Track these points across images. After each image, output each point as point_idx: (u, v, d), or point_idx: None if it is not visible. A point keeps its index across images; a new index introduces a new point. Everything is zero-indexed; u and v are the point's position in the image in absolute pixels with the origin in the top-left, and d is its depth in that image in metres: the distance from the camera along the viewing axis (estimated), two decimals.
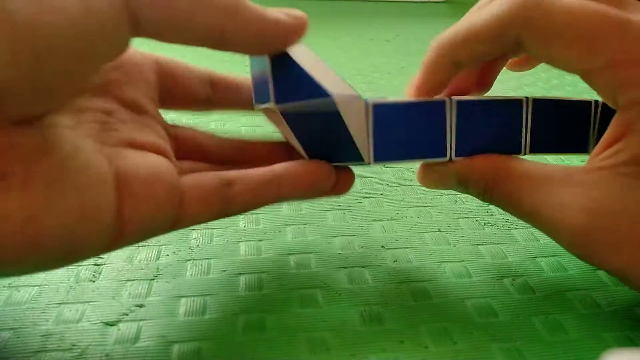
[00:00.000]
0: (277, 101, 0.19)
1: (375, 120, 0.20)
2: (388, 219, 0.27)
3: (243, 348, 0.19)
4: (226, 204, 0.19)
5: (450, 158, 0.21)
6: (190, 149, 0.22)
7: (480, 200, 0.21)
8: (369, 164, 0.20)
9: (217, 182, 0.19)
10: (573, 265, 0.24)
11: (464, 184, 0.21)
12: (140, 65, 0.20)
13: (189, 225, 0.19)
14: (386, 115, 0.20)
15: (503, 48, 0.19)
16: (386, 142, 0.20)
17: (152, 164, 0.17)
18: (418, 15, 0.93)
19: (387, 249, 0.25)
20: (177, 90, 0.21)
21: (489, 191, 0.20)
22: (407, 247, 0.25)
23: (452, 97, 0.20)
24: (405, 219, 0.28)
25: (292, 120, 0.20)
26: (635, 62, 0.17)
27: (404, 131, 0.20)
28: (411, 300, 0.21)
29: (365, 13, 0.93)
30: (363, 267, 0.23)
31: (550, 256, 0.25)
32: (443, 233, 0.26)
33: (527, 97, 0.21)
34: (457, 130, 0.20)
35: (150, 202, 0.17)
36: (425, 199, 0.30)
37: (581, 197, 0.18)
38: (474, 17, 0.19)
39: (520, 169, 0.20)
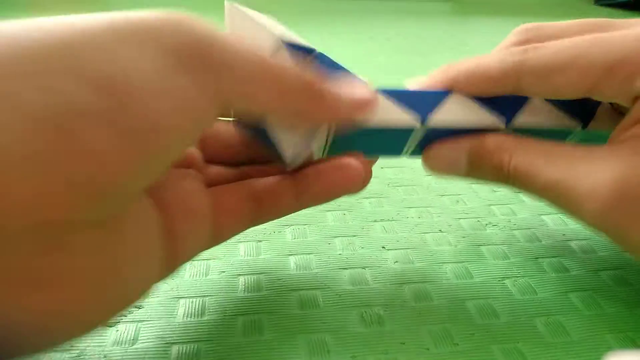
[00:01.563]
0: None
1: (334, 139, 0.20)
2: (389, 220, 0.27)
3: (242, 349, 0.18)
4: (258, 218, 0.20)
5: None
6: (214, 146, 0.21)
7: (491, 179, 0.20)
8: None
9: (248, 197, 0.19)
10: (575, 266, 0.24)
11: (477, 162, 0.20)
12: None
13: (229, 238, 0.19)
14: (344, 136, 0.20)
15: (504, 89, 0.19)
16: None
17: (188, 192, 0.18)
18: (419, 13, 0.93)
19: (388, 249, 0.25)
20: None
21: (505, 166, 0.19)
22: (408, 248, 0.25)
23: (425, 120, 0.19)
24: (406, 219, 0.27)
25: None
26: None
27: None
28: (412, 302, 0.21)
29: (365, 11, 0.93)
30: (363, 268, 0.23)
31: (552, 257, 0.24)
32: (444, 233, 0.26)
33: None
34: (420, 144, 0.21)
35: (191, 238, 0.17)
36: (426, 199, 0.30)
37: (607, 168, 0.17)
38: (483, 58, 0.19)
39: (539, 144, 0.19)
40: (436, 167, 0.21)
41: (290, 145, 0.18)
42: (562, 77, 0.18)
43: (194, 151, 0.20)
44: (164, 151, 0.14)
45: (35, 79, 0.11)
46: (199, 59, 0.14)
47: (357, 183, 0.19)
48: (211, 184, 0.20)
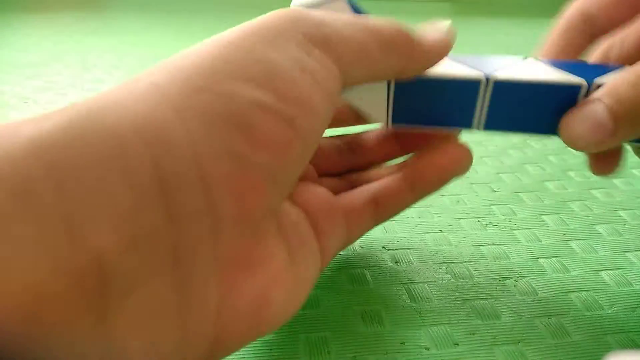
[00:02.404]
0: None
1: (396, 93, 0.20)
2: (389, 220, 0.27)
3: (242, 350, 0.18)
4: (379, 219, 0.21)
5: (478, 129, 0.20)
6: (316, 159, 0.22)
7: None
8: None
9: (369, 199, 0.20)
10: (576, 266, 0.24)
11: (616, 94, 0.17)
12: None
13: (355, 240, 0.21)
14: (408, 89, 0.19)
15: None
16: (407, 110, 0.20)
17: (322, 196, 0.19)
18: (419, 14, 0.93)
19: (388, 249, 0.25)
20: None
21: None
22: (408, 248, 0.25)
23: (490, 75, 0.18)
24: (407, 219, 0.27)
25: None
26: None
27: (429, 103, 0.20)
28: (412, 302, 0.21)
29: (366, 12, 0.93)
30: (364, 267, 0.23)
31: (553, 257, 0.24)
32: (444, 234, 0.26)
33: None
34: (490, 108, 0.19)
35: (334, 236, 0.18)
36: (426, 199, 0.30)
37: None
38: None
39: None
40: (579, 131, 0.17)
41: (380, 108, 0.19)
42: None
43: (307, 165, 0.20)
44: (315, 133, 0.15)
45: (214, 86, 0.13)
46: (321, 43, 0.15)
47: (466, 163, 0.20)
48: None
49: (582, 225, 0.27)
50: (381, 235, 0.26)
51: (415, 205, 0.29)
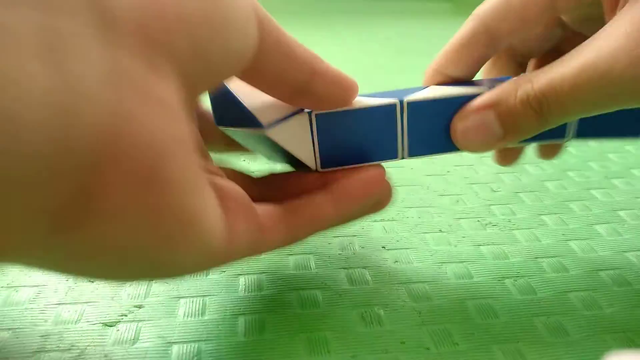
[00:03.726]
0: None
1: (318, 129, 0.19)
2: (389, 220, 0.27)
3: (243, 349, 0.19)
4: (293, 234, 0.19)
5: (403, 157, 0.20)
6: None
7: (528, 121, 0.18)
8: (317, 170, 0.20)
9: (282, 210, 0.19)
10: (575, 266, 0.24)
11: (505, 110, 0.19)
12: None
13: (266, 252, 0.19)
14: (329, 123, 0.19)
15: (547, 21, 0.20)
16: (332, 148, 0.20)
17: (236, 186, 0.17)
18: (419, 13, 0.93)
19: (388, 249, 0.25)
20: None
21: (531, 93, 0.18)
22: (408, 248, 0.25)
23: (403, 99, 0.20)
24: (406, 219, 0.27)
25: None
26: None
27: (351, 137, 0.20)
28: (412, 301, 0.21)
29: (366, 11, 0.93)
30: (364, 267, 0.23)
31: (552, 257, 0.24)
32: (444, 233, 0.26)
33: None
34: (409, 132, 0.20)
35: (243, 221, 0.17)
36: (426, 199, 0.30)
37: (615, 34, 0.17)
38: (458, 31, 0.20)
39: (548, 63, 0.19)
40: (471, 140, 0.20)
41: (306, 148, 0.19)
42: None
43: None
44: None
45: None
46: None
47: (381, 185, 0.20)
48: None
49: (581, 225, 0.27)
50: (381, 235, 0.26)
51: (415, 205, 0.29)
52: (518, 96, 0.18)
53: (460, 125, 0.19)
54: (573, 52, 0.18)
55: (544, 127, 0.19)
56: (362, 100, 0.19)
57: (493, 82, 0.20)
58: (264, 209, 0.18)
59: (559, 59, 0.18)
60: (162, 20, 0.12)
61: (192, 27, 0.13)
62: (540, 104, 0.18)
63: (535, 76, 0.18)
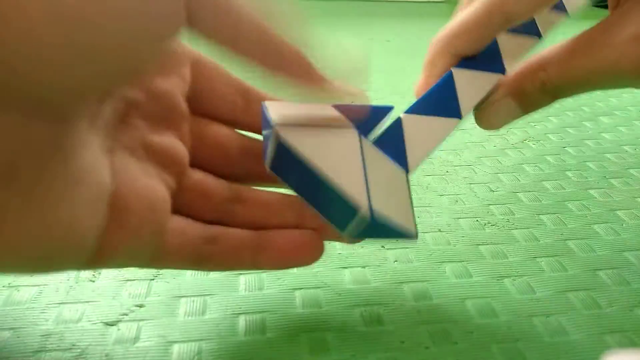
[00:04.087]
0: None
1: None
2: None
3: (243, 348, 0.19)
4: (203, 260, 0.18)
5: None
6: (211, 148, 0.19)
7: (543, 100, 0.21)
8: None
9: (200, 238, 0.18)
10: (573, 266, 0.24)
11: (521, 93, 0.21)
12: (178, 58, 0.18)
13: (162, 268, 0.18)
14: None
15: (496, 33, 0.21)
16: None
17: (150, 194, 0.16)
18: (418, 15, 0.93)
19: (388, 249, 0.25)
20: (210, 96, 0.19)
21: (546, 79, 0.20)
22: (407, 247, 0.25)
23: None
24: None
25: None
26: None
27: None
28: (412, 301, 0.21)
29: (365, 13, 0.93)
30: (364, 267, 0.23)
31: (551, 256, 0.24)
32: (443, 233, 0.26)
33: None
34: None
35: (136, 238, 0.15)
36: (425, 199, 0.30)
37: (627, 27, 0.18)
38: (468, 9, 0.20)
39: (557, 47, 0.20)
40: (495, 122, 0.22)
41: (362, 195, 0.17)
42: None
43: (180, 150, 0.18)
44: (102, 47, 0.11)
45: None
46: None
47: (311, 255, 0.19)
48: (187, 190, 0.18)
49: (580, 225, 0.27)
50: None
51: (415, 205, 0.29)
52: (536, 85, 0.20)
53: (485, 112, 0.21)
54: (584, 40, 0.19)
55: (555, 102, 0.21)
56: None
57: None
58: (181, 230, 0.17)
59: (570, 45, 0.20)
60: None
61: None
62: (556, 90, 0.20)
63: (549, 63, 0.20)
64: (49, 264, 0.14)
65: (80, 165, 0.13)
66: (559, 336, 0.20)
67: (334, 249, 0.25)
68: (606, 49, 0.19)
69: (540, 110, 0.21)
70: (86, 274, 0.22)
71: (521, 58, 0.22)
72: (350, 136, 0.18)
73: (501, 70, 0.21)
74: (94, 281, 0.22)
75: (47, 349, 0.18)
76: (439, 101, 0.20)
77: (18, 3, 0.10)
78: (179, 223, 0.17)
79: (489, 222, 0.27)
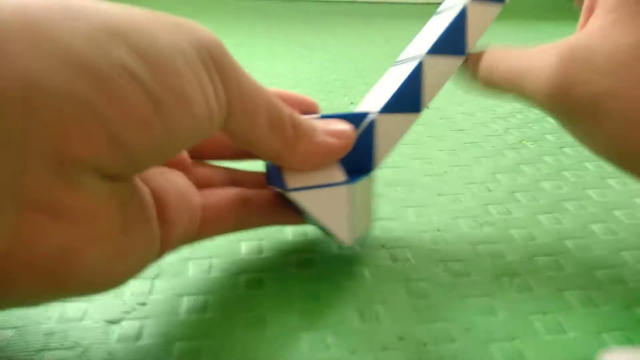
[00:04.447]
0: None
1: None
2: (387, 219, 0.28)
3: (244, 346, 0.19)
4: (242, 222, 0.21)
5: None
6: (204, 144, 0.22)
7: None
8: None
9: (236, 201, 0.21)
10: (570, 265, 0.24)
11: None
12: None
13: (211, 237, 0.21)
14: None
15: None
16: None
17: (180, 187, 0.18)
18: (417, 17, 0.93)
19: (386, 248, 0.25)
20: None
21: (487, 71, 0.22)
22: (406, 247, 0.25)
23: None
24: (404, 218, 0.28)
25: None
26: None
27: None
28: (410, 299, 0.21)
29: (364, 14, 0.94)
30: (363, 266, 0.24)
31: (548, 255, 0.25)
32: (442, 232, 0.27)
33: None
34: None
35: (180, 228, 0.18)
36: (424, 199, 0.30)
37: (555, 47, 0.19)
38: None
39: (500, 48, 0.22)
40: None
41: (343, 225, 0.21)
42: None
43: (181, 153, 0.20)
44: (182, 132, 0.14)
45: (89, 34, 0.13)
46: (216, 63, 0.15)
47: None
48: (198, 185, 0.21)
49: (577, 225, 0.28)
50: (380, 234, 0.26)
51: (413, 205, 0.29)
52: (480, 73, 0.23)
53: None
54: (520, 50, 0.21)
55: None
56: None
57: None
58: (215, 201, 0.20)
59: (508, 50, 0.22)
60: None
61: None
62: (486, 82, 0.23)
63: (488, 56, 0.22)
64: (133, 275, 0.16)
65: (143, 207, 0.16)
66: (556, 334, 0.20)
67: (334, 247, 0.25)
68: (533, 60, 0.20)
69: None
70: None
71: (484, 31, 0.24)
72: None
73: (463, 51, 0.23)
74: None
75: (49, 347, 0.18)
76: (407, 96, 0.22)
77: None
78: (212, 196, 0.20)
79: (486, 222, 0.28)
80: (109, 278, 0.15)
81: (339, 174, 0.20)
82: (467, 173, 0.33)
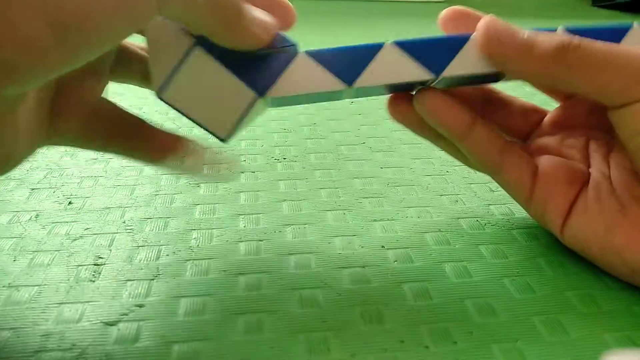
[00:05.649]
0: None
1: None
2: (388, 219, 0.27)
3: (243, 348, 0.19)
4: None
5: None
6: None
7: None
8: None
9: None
10: (573, 265, 0.24)
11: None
12: None
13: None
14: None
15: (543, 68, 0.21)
16: None
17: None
18: (418, 16, 0.93)
19: (388, 248, 0.25)
20: None
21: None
22: (407, 247, 0.25)
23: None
24: (406, 218, 0.28)
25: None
26: None
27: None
28: (411, 300, 0.21)
29: (366, 13, 0.93)
30: (363, 267, 0.23)
31: (550, 256, 0.24)
32: (443, 233, 0.26)
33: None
34: None
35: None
36: (425, 199, 0.30)
37: None
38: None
39: None
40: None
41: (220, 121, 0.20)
42: (602, 74, 0.20)
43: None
44: (91, 46, 0.14)
45: None
46: None
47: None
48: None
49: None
50: (381, 235, 0.26)
51: (415, 205, 0.29)
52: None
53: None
54: None
55: None
56: (307, 74, 0.20)
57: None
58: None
59: None
60: None
61: None
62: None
63: None
64: None
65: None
66: (558, 335, 0.20)
67: (334, 248, 0.25)
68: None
69: None
70: (86, 274, 0.22)
71: None
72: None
73: (437, 72, 0.21)
74: (94, 281, 0.22)
75: (47, 349, 0.18)
76: (345, 60, 0.21)
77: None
78: None
79: (489, 222, 0.27)
80: None
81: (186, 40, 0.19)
82: (469, 173, 0.33)
